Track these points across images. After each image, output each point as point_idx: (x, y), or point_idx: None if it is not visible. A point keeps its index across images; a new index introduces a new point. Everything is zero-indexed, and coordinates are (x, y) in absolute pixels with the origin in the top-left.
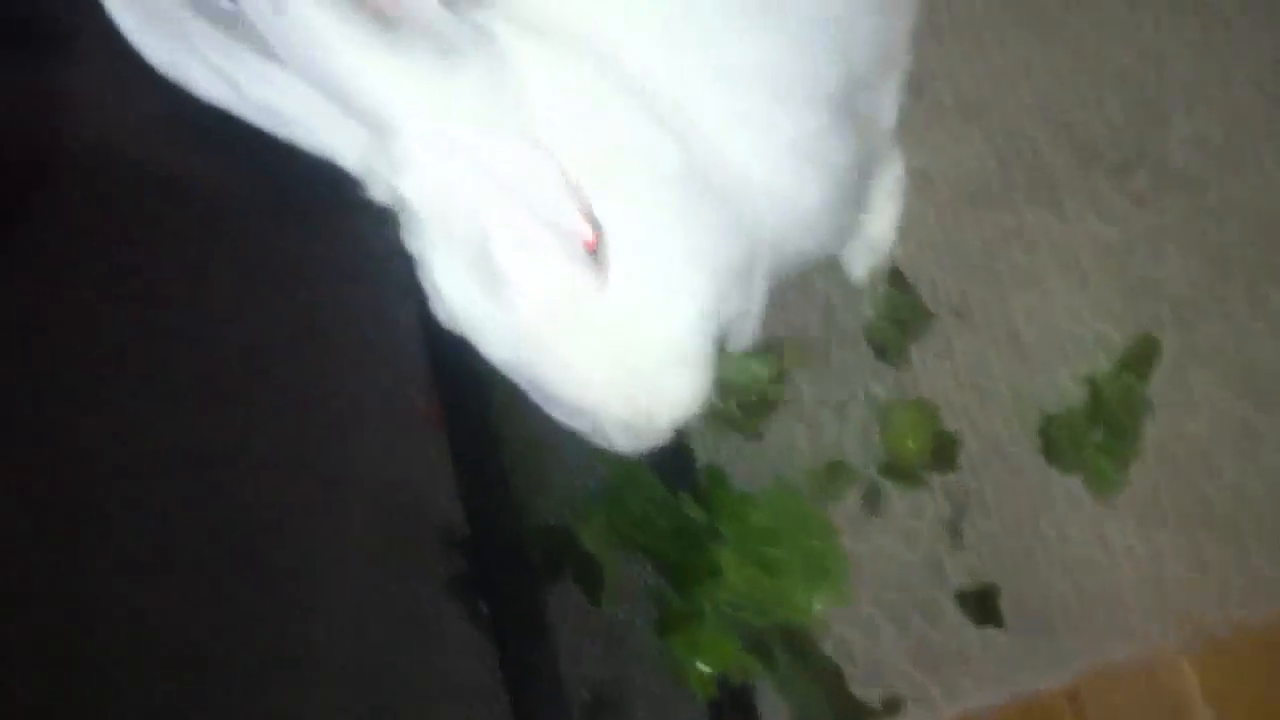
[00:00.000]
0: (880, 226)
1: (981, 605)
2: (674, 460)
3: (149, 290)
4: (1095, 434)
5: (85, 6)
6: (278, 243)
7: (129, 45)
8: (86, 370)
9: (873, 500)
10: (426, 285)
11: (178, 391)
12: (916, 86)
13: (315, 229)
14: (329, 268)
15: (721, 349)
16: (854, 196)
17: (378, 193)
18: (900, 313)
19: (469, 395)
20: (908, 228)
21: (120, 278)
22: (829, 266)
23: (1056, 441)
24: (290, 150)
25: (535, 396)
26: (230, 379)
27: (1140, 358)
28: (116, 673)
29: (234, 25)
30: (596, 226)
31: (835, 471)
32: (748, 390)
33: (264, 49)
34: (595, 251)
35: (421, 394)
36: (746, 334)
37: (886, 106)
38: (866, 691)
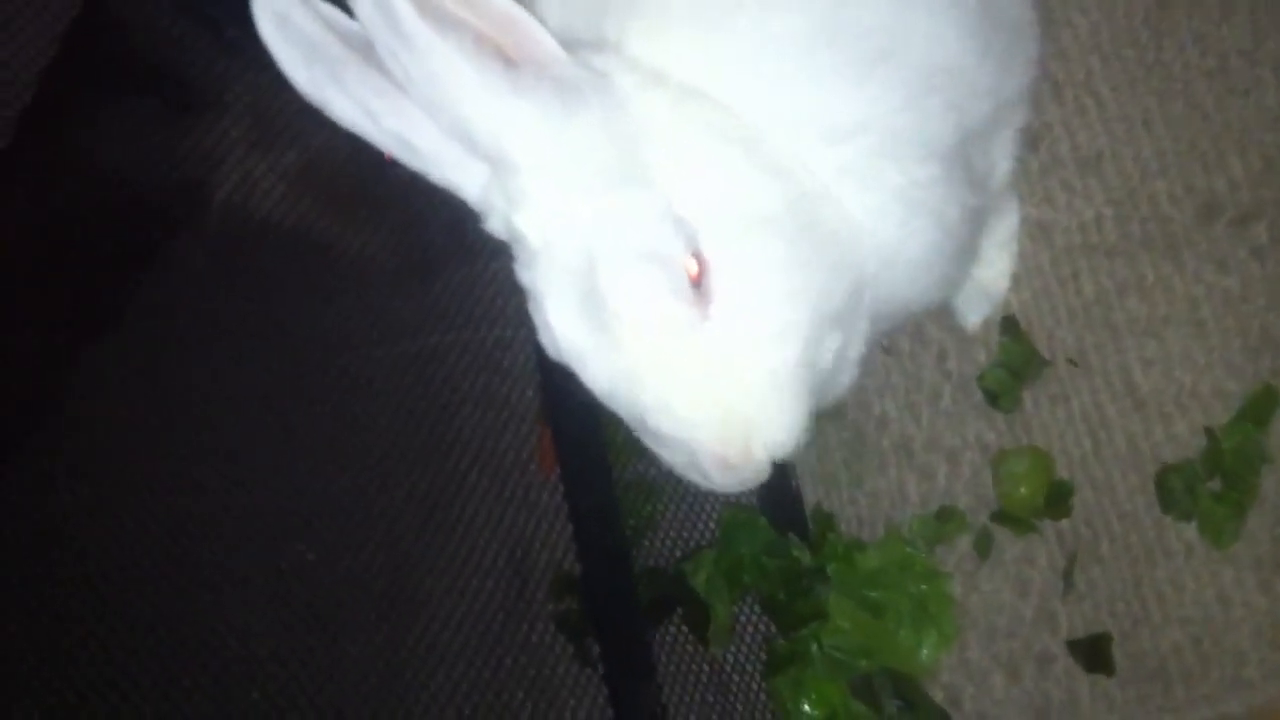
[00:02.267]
0: (995, 275)
1: (1093, 653)
2: (784, 504)
3: (278, 340)
4: (1212, 484)
5: (233, 71)
6: (400, 296)
7: (272, 110)
8: (215, 417)
9: (984, 547)
10: (536, 317)
11: (303, 441)
12: (1033, 139)
13: (435, 282)
14: (447, 318)
15: None
16: (963, 247)
17: (494, 227)
18: (1014, 360)
19: (582, 437)
20: (1023, 276)
21: (250, 327)
22: (943, 313)
23: (1172, 491)
24: (414, 208)
25: (636, 430)
26: (353, 427)
27: (1259, 408)
28: (249, 698)
29: (374, 57)
30: (702, 262)
31: (945, 517)
32: None
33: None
34: (699, 286)
35: (536, 437)
36: (847, 380)
37: (1002, 160)
38: None
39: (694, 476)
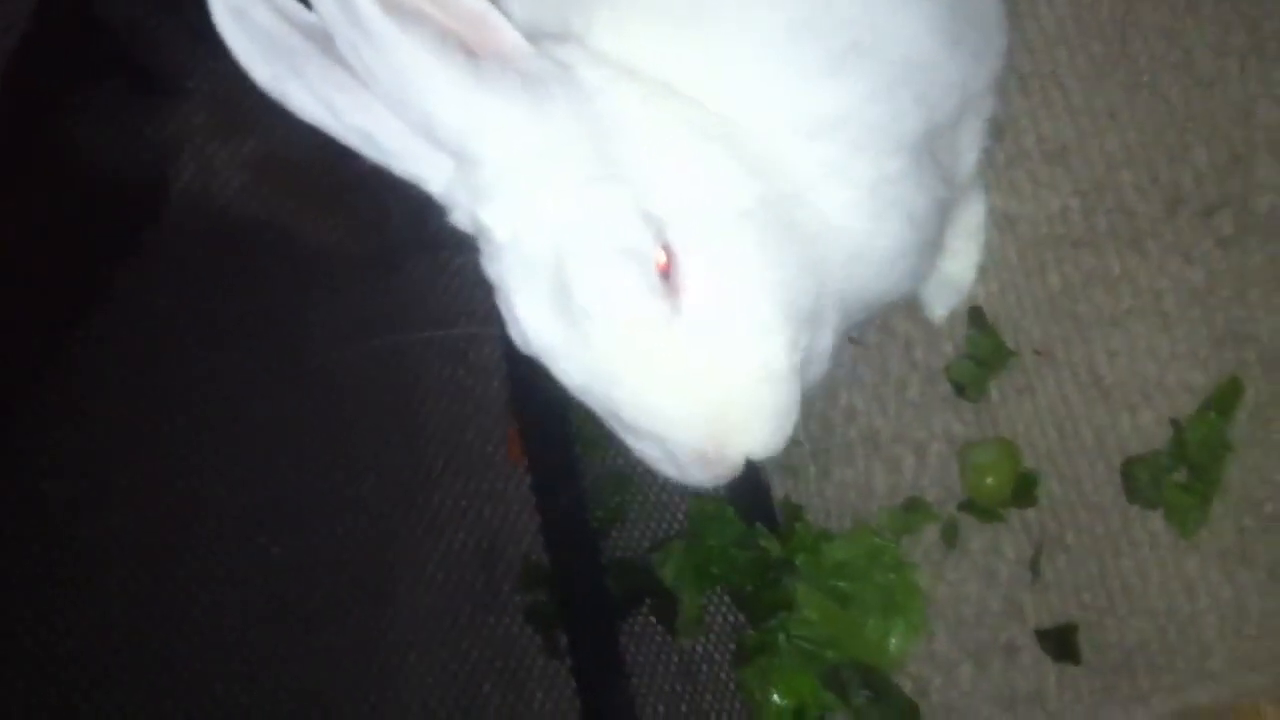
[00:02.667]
0: (962, 266)
1: (1060, 643)
2: (752, 496)
3: (239, 330)
4: (1177, 474)
5: (197, 57)
6: (366, 287)
7: (234, 97)
8: (176, 407)
9: (951, 537)
10: (504, 312)
11: (267, 432)
12: (999, 131)
13: (402, 275)
14: (414, 311)
15: None
16: (929, 240)
17: (459, 220)
18: (981, 352)
19: (550, 431)
20: (989, 268)
21: (211, 317)
22: (910, 305)
23: (1137, 481)
24: (377, 199)
25: (610, 424)
26: (320, 417)
27: (1224, 400)
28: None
29: (335, 50)
30: (671, 256)
31: (913, 508)
32: None
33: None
34: (669, 280)
35: (504, 430)
36: (816, 375)
37: (968, 151)
38: None
39: (669, 471)
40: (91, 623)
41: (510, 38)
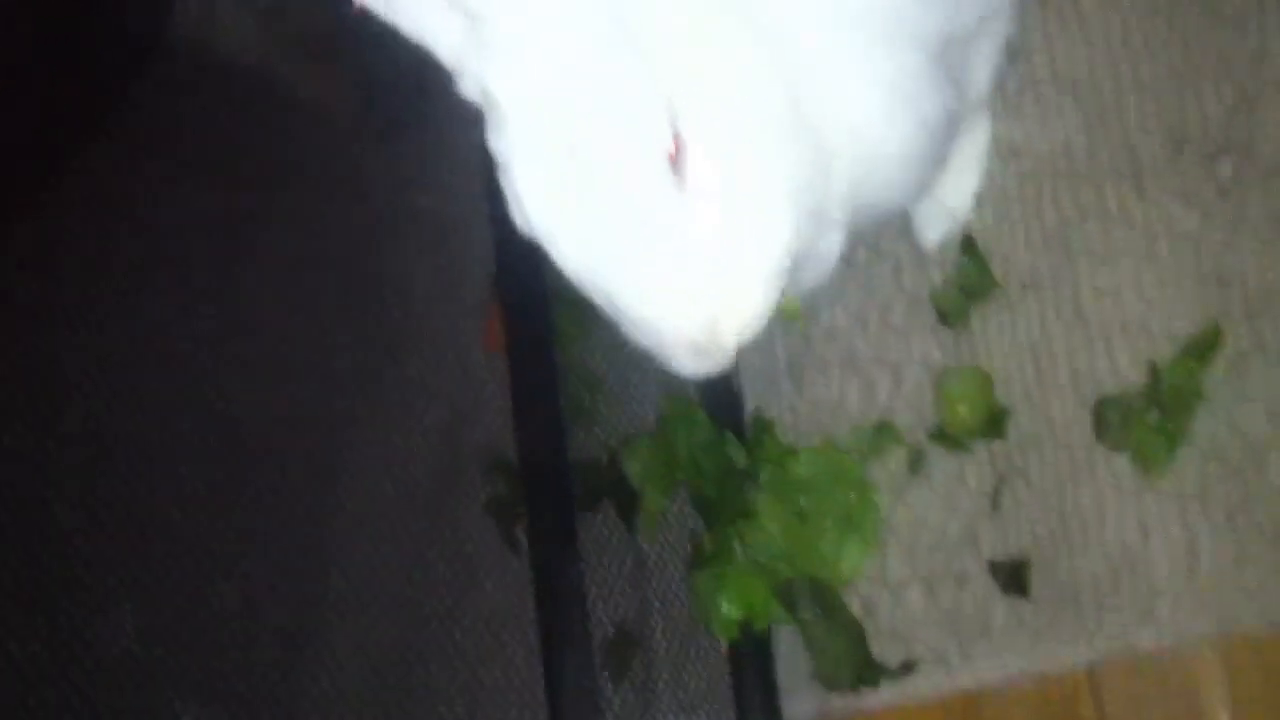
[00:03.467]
0: (959, 191)
1: (1011, 576)
2: (724, 404)
3: (234, 177)
4: (1148, 416)
5: None
6: (359, 151)
7: None
8: (167, 248)
9: (916, 464)
10: (506, 188)
11: (249, 277)
12: (1012, 54)
13: (398, 146)
14: (405, 183)
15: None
16: (938, 150)
17: (467, 89)
18: (968, 280)
19: (532, 322)
20: (987, 195)
21: (207, 165)
22: (902, 227)
23: (1108, 421)
24: (376, 63)
25: (604, 308)
26: (296, 275)
27: (1203, 346)
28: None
29: None
30: (680, 139)
31: (882, 431)
32: None
33: None
34: (677, 165)
35: (481, 317)
36: (822, 274)
37: (982, 67)
38: (886, 650)
39: (662, 358)
40: (33, 452)
41: None
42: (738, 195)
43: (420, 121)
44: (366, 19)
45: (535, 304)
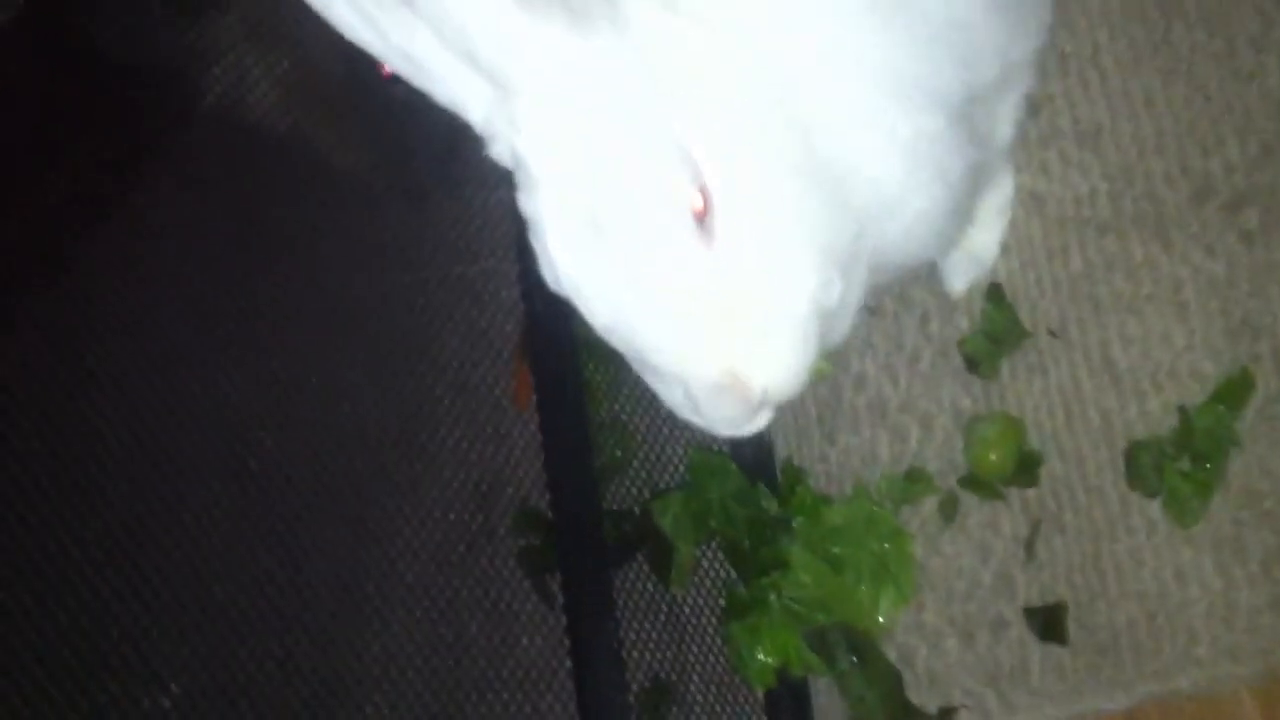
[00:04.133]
0: (985, 241)
1: (1048, 622)
2: (755, 454)
3: (262, 244)
4: (1180, 462)
5: None
6: (389, 216)
7: (271, 11)
8: (194, 312)
9: (949, 511)
10: (536, 247)
11: (280, 346)
12: (1034, 108)
13: (425, 208)
14: (435, 244)
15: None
16: (962, 206)
17: (497, 152)
18: (996, 328)
19: (561, 377)
20: (1012, 246)
21: (235, 227)
22: (929, 277)
23: (1140, 467)
24: (407, 127)
25: (635, 366)
26: (329, 341)
27: (1234, 392)
28: (202, 611)
29: None
30: (707, 196)
31: (914, 478)
32: None
33: None
34: (704, 221)
35: (512, 373)
36: (842, 331)
37: (1004, 123)
38: (924, 697)
39: (691, 415)
40: (72, 515)
41: None
42: (764, 251)
43: (450, 184)
44: (394, 83)
45: (565, 359)
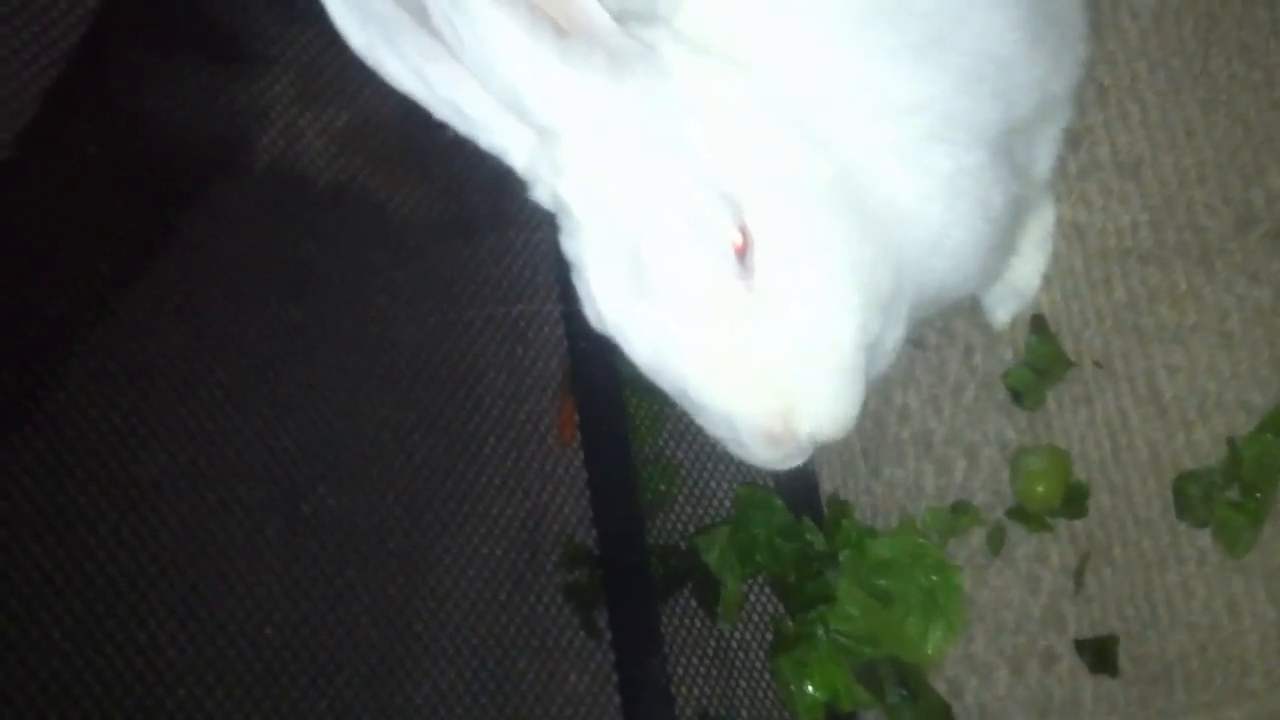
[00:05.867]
0: (1027, 273)
1: (1099, 654)
2: (800, 488)
3: (313, 292)
4: (1230, 493)
5: (283, 25)
6: (437, 257)
7: (320, 67)
8: (245, 364)
9: (996, 543)
10: (580, 289)
11: (329, 392)
12: (1074, 140)
13: (471, 249)
14: (480, 285)
15: None
16: (1003, 239)
17: (540, 196)
18: (1040, 360)
19: (605, 411)
20: (1055, 277)
21: (286, 278)
22: (972, 309)
23: (1189, 497)
24: (453, 170)
25: (680, 403)
26: (377, 382)
27: None
28: (251, 652)
29: (428, 21)
30: (747, 236)
31: (960, 511)
32: None
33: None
34: (745, 260)
35: (556, 410)
36: (883, 366)
37: (1044, 157)
38: None
39: (737, 451)
40: (129, 563)
41: (598, 16)
42: (804, 288)
43: (495, 225)
44: (441, 129)
45: (610, 395)
